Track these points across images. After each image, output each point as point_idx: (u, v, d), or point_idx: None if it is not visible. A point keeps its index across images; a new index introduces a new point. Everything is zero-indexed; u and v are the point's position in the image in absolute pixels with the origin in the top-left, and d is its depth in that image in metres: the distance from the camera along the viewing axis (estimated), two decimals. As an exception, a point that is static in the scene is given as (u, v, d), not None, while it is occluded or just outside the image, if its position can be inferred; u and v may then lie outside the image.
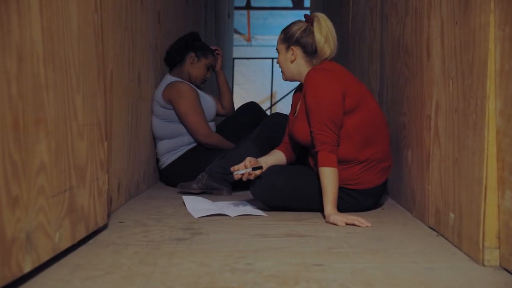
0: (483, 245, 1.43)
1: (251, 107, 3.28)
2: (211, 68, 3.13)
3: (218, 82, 3.32)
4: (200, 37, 3.20)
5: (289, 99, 12.86)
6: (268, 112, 12.10)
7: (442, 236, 1.77)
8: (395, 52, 2.45)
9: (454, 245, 1.64)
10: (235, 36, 12.43)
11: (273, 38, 13.33)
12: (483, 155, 1.43)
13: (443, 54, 1.77)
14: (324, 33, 2.17)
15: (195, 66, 3.08)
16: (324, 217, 2.04)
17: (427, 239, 1.76)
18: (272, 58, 12.92)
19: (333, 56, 2.23)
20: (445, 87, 1.75)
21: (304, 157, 2.40)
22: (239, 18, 12.18)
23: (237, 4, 10.95)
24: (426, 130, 1.97)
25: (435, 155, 1.86)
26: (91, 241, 1.67)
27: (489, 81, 1.41)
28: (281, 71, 2.30)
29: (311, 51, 2.20)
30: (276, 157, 2.35)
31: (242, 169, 2.15)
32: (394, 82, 2.48)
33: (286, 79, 2.30)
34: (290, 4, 11.40)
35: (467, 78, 1.55)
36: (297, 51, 2.21)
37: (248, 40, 13.51)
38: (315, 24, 2.18)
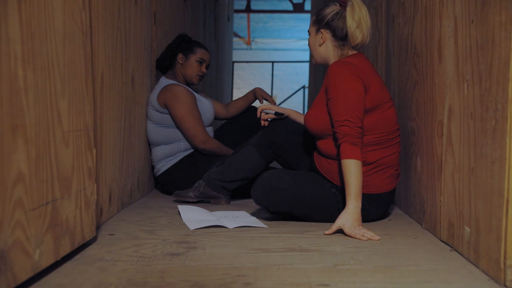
0: (504, 263, 1.31)
1: (250, 111, 3.16)
2: (203, 62, 2.99)
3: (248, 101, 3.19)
4: (189, 37, 3.07)
5: (289, 102, 12.76)
6: (268, 116, 11.98)
7: (456, 251, 1.64)
8: (403, 54, 2.33)
9: (471, 262, 1.52)
10: (235, 39, 12.34)
11: (273, 42, 13.26)
12: (505, 165, 1.31)
13: (457, 55, 1.65)
14: (357, 18, 2.07)
15: (185, 65, 2.96)
16: (327, 227, 1.90)
17: (440, 254, 1.63)
18: (272, 62, 12.83)
19: (366, 43, 2.12)
20: (459, 90, 1.63)
21: (308, 159, 2.28)
22: (239, 21, 12.09)
23: (236, 7, 10.85)
24: (437, 137, 1.84)
25: (448, 164, 1.73)
26: (77, 257, 1.55)
27: (511, 84, 1.29)
28: (311, 55, 2.24)
29: (341, 36, 2.12)
30: (297, 113, 2.48)
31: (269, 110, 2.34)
32: (402, 86, 2.35)
33: (316, 62, 2.26)
34: (291, 7, 11.30)
35: (485, 81, 1.43)
36: (327, 34, 2.14)
37: (248, 43, 13.42)
38: (348, 8, 2.08)
